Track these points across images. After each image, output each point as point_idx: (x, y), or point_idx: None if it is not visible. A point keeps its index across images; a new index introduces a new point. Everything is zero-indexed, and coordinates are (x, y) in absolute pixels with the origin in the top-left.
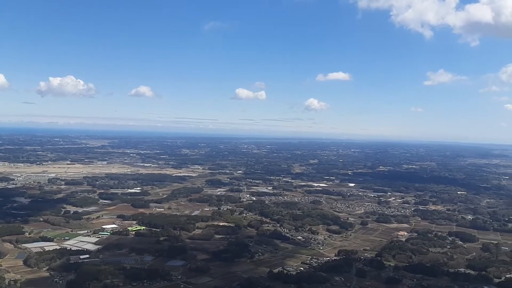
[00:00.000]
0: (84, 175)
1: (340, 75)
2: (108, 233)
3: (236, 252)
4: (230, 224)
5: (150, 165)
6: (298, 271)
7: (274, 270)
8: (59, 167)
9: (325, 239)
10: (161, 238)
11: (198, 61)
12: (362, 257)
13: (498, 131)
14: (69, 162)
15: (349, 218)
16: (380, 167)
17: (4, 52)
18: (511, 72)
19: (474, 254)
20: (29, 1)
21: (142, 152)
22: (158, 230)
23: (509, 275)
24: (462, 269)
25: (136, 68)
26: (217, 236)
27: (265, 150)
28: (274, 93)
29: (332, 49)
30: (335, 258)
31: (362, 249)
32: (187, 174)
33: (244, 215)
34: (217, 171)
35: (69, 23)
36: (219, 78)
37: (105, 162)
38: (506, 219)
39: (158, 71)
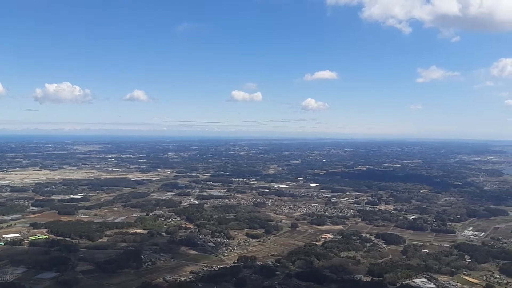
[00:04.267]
0: (39, 181)
1: (327, 74)
2: (1, 244)
3: (123, 261)
4: (143, 231)
5: (119, 170)
6: (177, 281)
7: (153, 281)
8: (21, 174)
9: (238, 244)
10: (54, 248)
11: (188, 65)
12: (259, 264)
13: (502, 127)
14: (37, 168)
15: (283, 221)
16: (360, 166)
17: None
18: (503, 66)
19: (391, 257)
20: (21, 9)
21: (123, 156)
22: (60, 238)
23: (406, 282)
24: (360, 276)
25: (131, 72)
26: (122, 244)
27: (254, 152)
28: (267, 94)
29: (312, 48)
30: (231, 265)
31: (270, 254)
32: (148, 178)
33: (170, 220)
34: (184, 174)
35: (61, 30)
36: (210, 80)
37: (74, 168)
38: (452, 218)
39: (151, 75)
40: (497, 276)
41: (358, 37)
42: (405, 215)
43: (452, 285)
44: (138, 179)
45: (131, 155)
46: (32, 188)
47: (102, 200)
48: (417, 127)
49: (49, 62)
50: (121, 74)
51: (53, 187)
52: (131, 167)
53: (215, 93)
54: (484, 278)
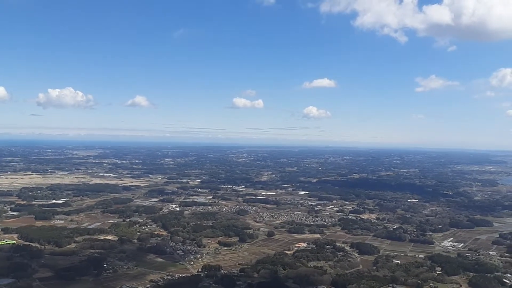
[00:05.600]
0: (26, 186)
1: (325, 82)
2: None
3: (84, 269)
4: (114, 238)
5: (110, 175)
6: None
7: None
8: (11, 178)
9: (208, 252)
10: (18, 254)
11: (188, 71)
12: (223, 273)
13: (504, 137)
14: (28, 173)
15: (261, 229)
16: (354, 174)
17: (2, 63)
18: (502, 76)
19: (360, 267)
20: (24, 14)
21: (119, 162)
22: (27, 244)
23: None
24: (323, 286)
25: (132, 78)
26: (89, 251)
27: (251, 158)
28: (268, 101)
29: (309, 56)
30: (192, 274)
31: (237, 263)
32: (137, 184)
33: (145, 227)
34: (174, 180)
35: (64, 35)
36: (211, 87)
37: (66, 173)
38: (433, 228)
39: (152, 81)
40: None
41: (354, 45)
42: (386, 225)
43: None
44: (126, 185)
45: (127, 161)
46: (17, 193)
47: (83, 205)
48: (419, 136)
49: (52, 67)
50: (123, 80)
51: (38, 191)
52: (123, 172)
53: (216, 99)
54: None
